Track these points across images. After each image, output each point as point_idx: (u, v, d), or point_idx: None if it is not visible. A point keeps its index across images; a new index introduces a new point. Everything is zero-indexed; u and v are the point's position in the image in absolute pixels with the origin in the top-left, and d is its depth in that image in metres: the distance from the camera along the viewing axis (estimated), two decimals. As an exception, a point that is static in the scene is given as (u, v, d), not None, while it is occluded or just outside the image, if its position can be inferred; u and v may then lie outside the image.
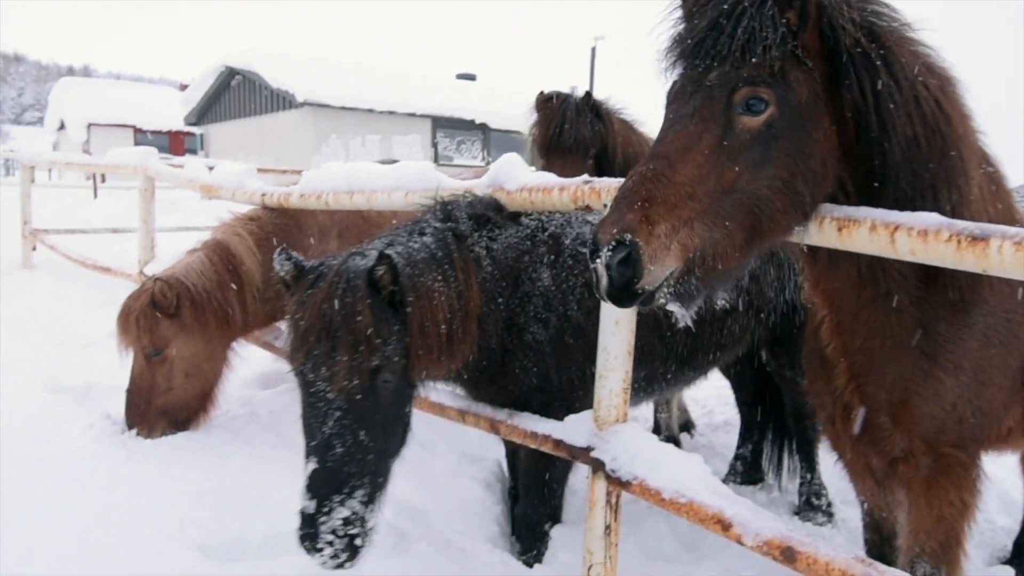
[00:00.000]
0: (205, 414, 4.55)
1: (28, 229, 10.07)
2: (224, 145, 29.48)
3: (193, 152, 32.98)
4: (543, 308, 3.01)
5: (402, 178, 3.59)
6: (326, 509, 2.34)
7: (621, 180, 2.65)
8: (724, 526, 2.36)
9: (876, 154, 2.05)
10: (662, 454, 2.60)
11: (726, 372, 4.86)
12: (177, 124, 35.55)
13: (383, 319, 2.45)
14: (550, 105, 5.05)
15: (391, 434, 2.55)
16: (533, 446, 3.03)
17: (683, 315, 2.03)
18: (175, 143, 38.51)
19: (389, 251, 2.51)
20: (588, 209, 2.79)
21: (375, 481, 2.48)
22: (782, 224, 2.01)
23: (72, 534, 3.00)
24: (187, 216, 16.39)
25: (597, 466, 2.76)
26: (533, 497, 3.34)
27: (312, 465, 2.38)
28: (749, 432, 4.95)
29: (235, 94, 29.82)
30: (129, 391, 4.26)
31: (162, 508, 3.30)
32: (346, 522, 2.35)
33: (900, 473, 2.46)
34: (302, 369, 2.42)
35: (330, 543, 2.34)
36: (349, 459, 2.38)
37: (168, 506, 3.33)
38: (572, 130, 4.88)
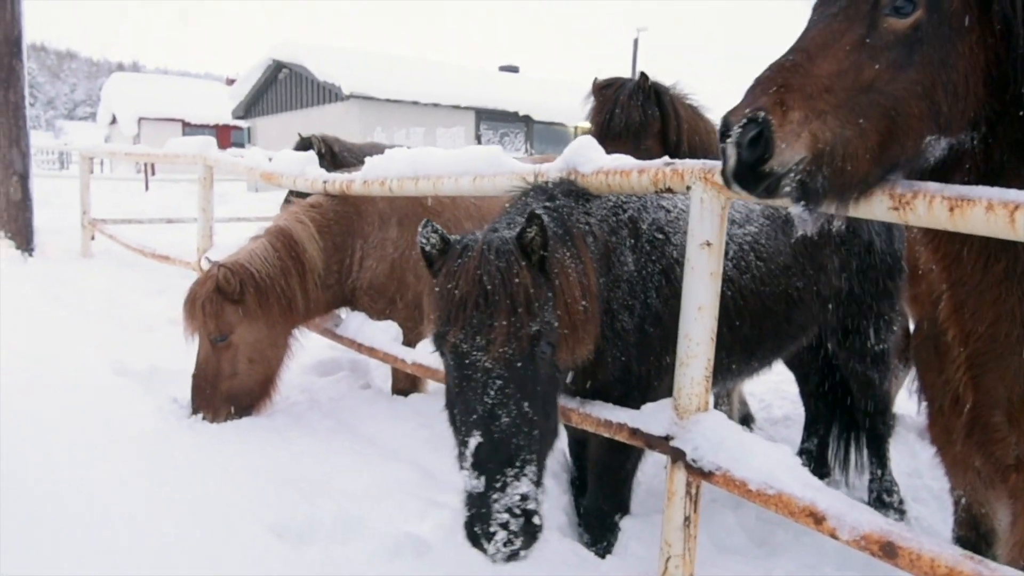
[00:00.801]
0: (268, 399, 4.59)
1: (87, 219, 10.33)
2: (271, 138, 29.90)
3: (240, 146, 33.53)
4: (629, 295, 2.94)
5: (469, 162, 3.55)
6: (498, 484, 2.14)
7: (707, 162, 2.59)
8: (816, 519, 2.27)
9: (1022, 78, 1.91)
10: (748, 444, 2.52)
11: (790, 364, 4.73)
12: (224, 118, 36.19)
13: (538, 283, 2.37)
14: (605, 92, 4.96)
15: (549, 415, 2.42)
16: (607, 435, 2.97)
17: (804, 220, 1.96)
18: (222, 136, 39.20)
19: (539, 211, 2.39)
20: (669, 192, 2.71)
21: (540, 462, 2.30)
22: (915, 131, 1.92)
23: (149, 511, 3.03)
24: (237, 208, 16.71)
25: (676, 456, 2.69)
26: (604, 488, 3.28)
27: (476, 440, 2.21)
28: (814, 426, 4.82)
29: (282, 87, 30.23)
30: (195, 376, 4.32)
31: (233, 489, 3.32)
32: (523, 498, 2.15)
33: (1012, 483, 2.23)
34: (456, 341, 2.31)
35: (504, 525, 2.13)
36: (516, 430, 2.22)
37: (238, 487, 3.36)
38: (623, 114, 4.76)
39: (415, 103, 26.01)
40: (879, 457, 4.37)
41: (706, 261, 2.59)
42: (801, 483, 2.37)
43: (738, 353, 3.37)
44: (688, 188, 2.61)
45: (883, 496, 4.32)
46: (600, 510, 3.29)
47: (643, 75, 4.93)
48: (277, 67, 29.80)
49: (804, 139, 1.81)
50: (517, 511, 2.13)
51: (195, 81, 52.83)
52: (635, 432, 2.85)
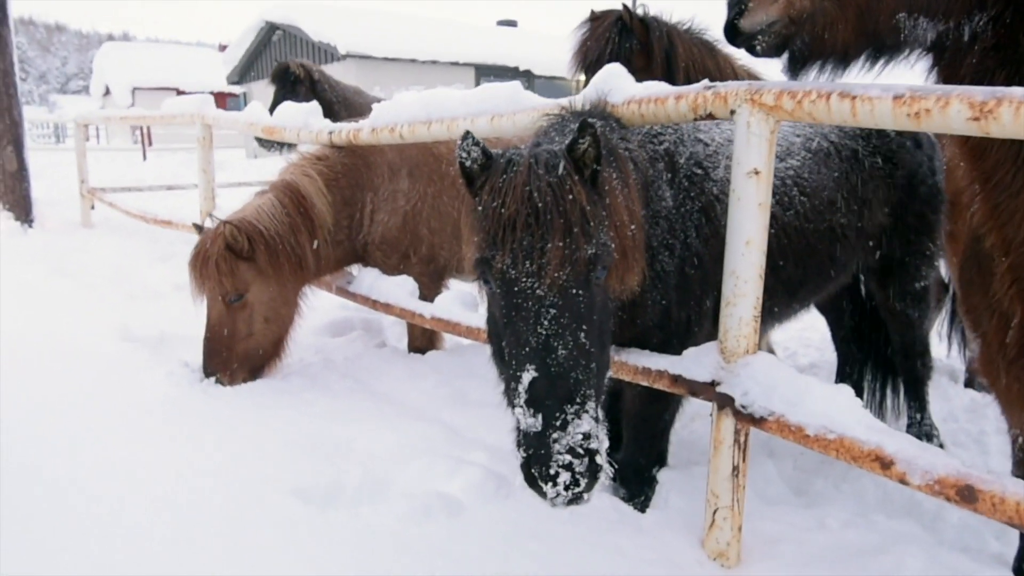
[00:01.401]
0: (279, 360, 4.44)
1: (86, 188, 10.11)
2: (267, 103, 29.38)
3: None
4: (668, 233, 2.74)
5: (487, 101, 3.32)
6: (558, 423, 1.93)
7: (753, 83, 2.37)
8: (884, 464, 2.11)
9: None
10: (804, 386, 2.35)
11: (821, 306, 4.54)
12: (219, 84, 35.59)
13: (593, 201, 2.14)
14: (585, 25, 4.67)
15: (604, 347, 2.21)
16: (645, 383, 2.80)
17: (785, 69, 2.27)
18: (218, 103, 38.39)
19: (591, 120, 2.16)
20: (710, 118, 2.49)
21: (599, 398, 2.09)
22: (888, 8, 2.05)
23: (167, 478, 2.89)
24: (235, 175, 16.43)
25: (724, 402, 2.52)
26: (641, 440, 3.12)
27: (530, 374, 2.00)
28: (847, 371, 4.65)
29: (276, 50, 29.60)
30: (208, 338, 4.15)
31: (253, 453, 3.18)
32: (586, 437, 1.94)
33: None
34: (503, 267, 2.08)
35: (566, 466, 1.90)
36: (574, 363, 2.01)
37: (258, 451, 3.21)
38: (596, 47, 4.47)
39: (413, 61, 25.48)
40: (918, 400, 4.20)
41: (754, 191, 2.38)
42: (865, 426, 2.21)
43: (780, 295, 3.18)
44: (732, 113, 2.40)
45: (923, 441, 4.16)
46: (637, 464, 3.14)
47: (625, 7, 4.63)
48: (270, 29, 29.14)
49: (779, 4, 2.13)
50: (580, 451, 1.92)
51: (188, 49, 51.98)
52: (677, 379, 2.68)
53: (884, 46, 2.13)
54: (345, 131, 4.33)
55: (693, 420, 4.27)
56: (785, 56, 2.25)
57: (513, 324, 2.09)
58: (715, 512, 2.62)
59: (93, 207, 10.28)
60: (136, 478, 2.88)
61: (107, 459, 3.02)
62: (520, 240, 2.05)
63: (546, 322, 2.03)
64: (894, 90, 2.03)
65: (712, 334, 3.04)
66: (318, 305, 5.93)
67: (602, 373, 2.18)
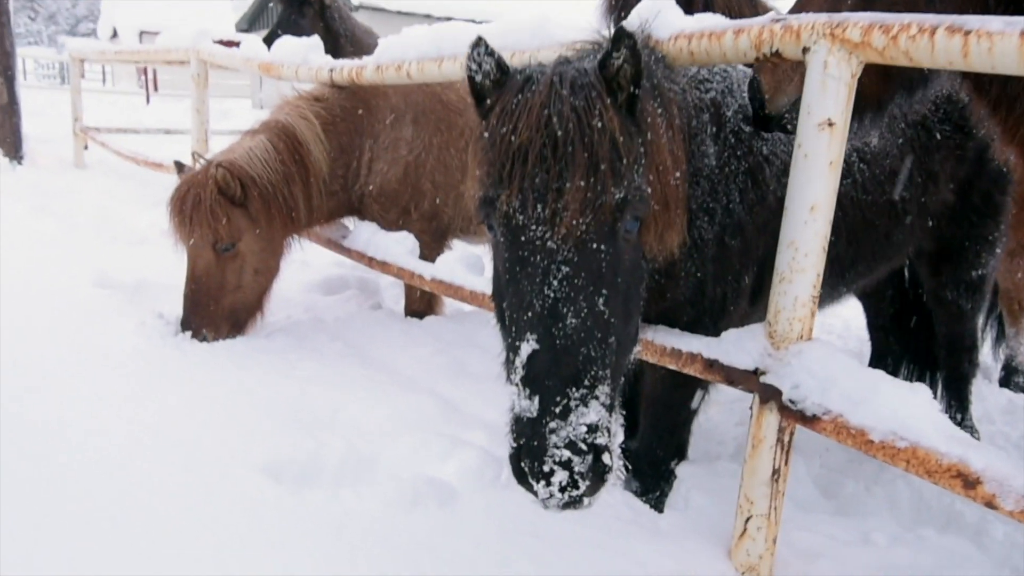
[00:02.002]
0: (262, 315, 4.09)
1: (79, 127, 9.68)
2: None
3: (245, 61, 32.33)
4: (709, 195, 2.34)
5: (507, 35, 2.90)
6: (558, 409, 1.56)
7: (833, 15, 1.96)
8: (967, 482, 1.74)
9: None
10: (871, 382, 1.97)
11: (860, 293, 4.16)
12: (228, 32, 34.76)
13: (627, 131, 1.72)
14: None
15: (629, 317, 1.82)
16: (673, 366, 2.43)
17: None
18: (227, 52, 37.75)
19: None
20: (776, 58, 2.08)
21: (615, 381, 1.72)
22: None
23: (119, 445, 2.54)
24: (240, 124, 15.93)
25: (769, 395, 2.15)
26: (660, 429, 2.76)
27: (531, 346, 1.62)
28: (882, 362, 4.28)
29: (287, -1, 28.84)
30: (193, 290, 3.78)
31: (223, 421, 2.82)
32: (591, 429, 1.57)
33: None
34: (510, 209, 1.69)
35: (564, 464, 1.53)
36: (587, 336, 1.62)
37: (230, 419, 2.86)
38: None
39: (428, 16, 24.79)
40: (960, 400, 3.84)
41: (825, 146, 1.98)
42: (945, 435, 1.84)
43: (828, 275, 2.79)
44: (805, 51, 1.99)
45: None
46: (654, 455, 2.78)
47: None
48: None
49: (794, 84, 2.08)
50: (583, 446, 1.55)
51: (198, -6, 50.92)
52: (712, 364, 2.30)
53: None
54: (347, 68, 3.91)
55: (710, 406, 3.92)
56: None
57: (516, 282, 1.69)
58: (747, 520, 2.26)
59: (87, 147, 9.86)
60: (79, 442, 2.52)
61: (53, 417, 2.67)
62: (532, 176, 1.65)
63: (556, 282, 1.64)
64: (1021, 24, 1.63)
65: (747, 316, 2.67)
66: (311, 260, 5.57)
67: (624, 352, 1.79)
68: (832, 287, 2.99)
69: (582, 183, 1.62)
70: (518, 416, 1.60)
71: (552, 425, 1.55)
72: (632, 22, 2.33)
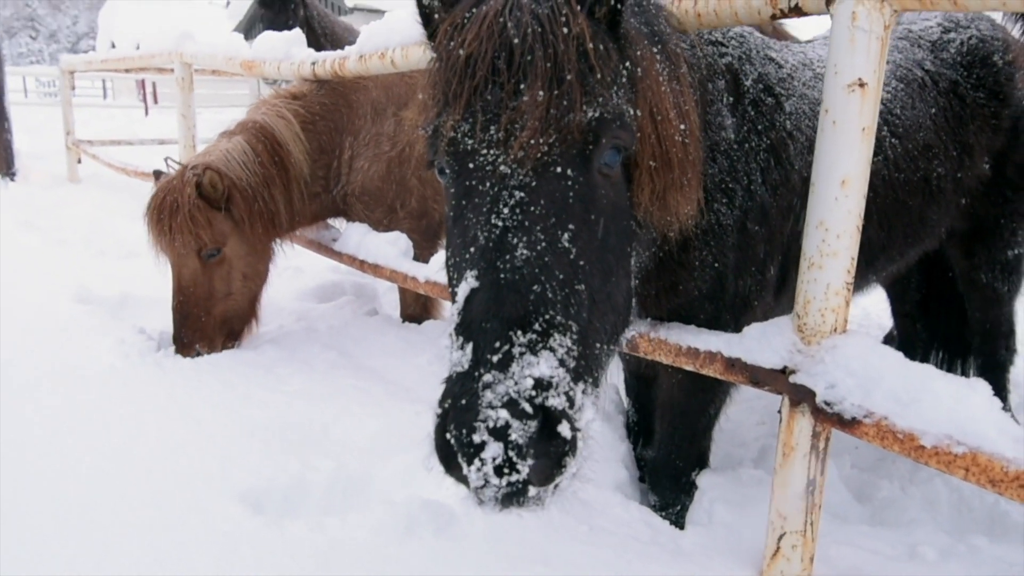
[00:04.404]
0: (256, 322, 3.88)
1: (71, 140, 9.49)
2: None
3: (243, 70, 32.27)
4: (728, 174, 2.08)
5: None
6: (496, 357, 1.20)
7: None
8: (1041, 493, 1.49)
9: None
10: (922, 379, 1.72)
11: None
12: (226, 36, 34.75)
13: (604, 45, 1.43)
14: None
15: (609, 275, 1.47)
16: (689, 367, 2.18)
17: None
18: (225, 62, 37.66)
19: None
20: (795, 13, 1.83)
21: (587, 346, 1.34)
22: None
23: (84, 472, 2.31)
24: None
25: (800, 396, 1.90)
26: (678, 438, 2.50)
27: (470, 285, 1.31)
28: (910, 351, 3.99)
29: (282, 4, 28.73)
30: (181, 302, 3.56)
31: (202, 444, 2.60)
32: (539, 385, 1.19)
33: None
34: (457, 134, 1.41)
35: (498, 431, 1.13)
36: (542, 273, 1.28)
37: (209, 441, 2.63)
38: None
39: (424, 18, 24.60)
40: (998, 390, 3.55)
41: (857, 110, 1.73)
42: (1011, 437, 1.58)
43: (860, 264, 2.53)
44: (830, 2, 1.74)
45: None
46: (673, 466, 2.53)
47: None
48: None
49: None
50: (527, 406, 1.16)
51: (194, 4, 51.04)
52: (733, 364, 2.05)
53: None
54: (330, 61, 3.67)
55: (778, 414, 3.65)
56: None
57: (462, 219, 1.39)
58: (780, 538, 2.01)
59: (80, 161, 9.68)
60: (36, 471, 2.29)
61: (13, 442, 2.44)
62: (481, 92, 1.37)
63: (506, 209, 1.33)
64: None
65: (771, 311, 2.41)
66: (305, 266, 5.36)
67: (601, 314, 1.41)
68: (861, 275, 2.72)
69: (542, 94, 1.33)
70: (449, 375, 1.25)
71: (487, 378, 1.18)
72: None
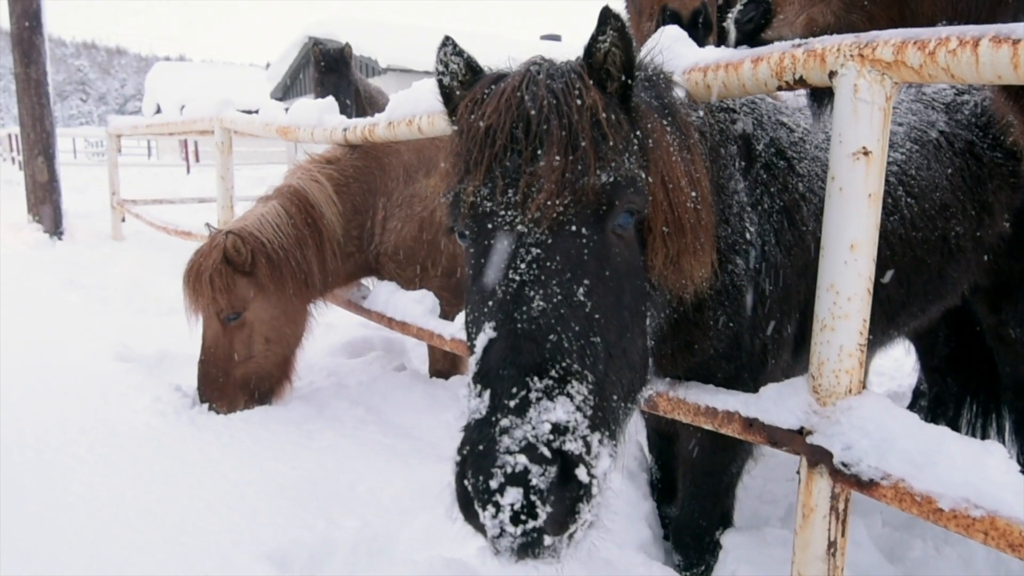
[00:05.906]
0: (288, 384, 3.96)
1: (116, 200, 9.88)
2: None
3: (281, 129, 33.25)
4: (741, 236, 2.14)
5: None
6: (513, 403, 1.24)
7: (860, 35, 1.78)
8: (1063, 559, 1.48)
9: None
10: (936, 441, 1.72)
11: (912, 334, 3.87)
12: (264, 101, 35.97)
13: (615, 116, 1.52)
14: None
15: (626, 329, 1.52)
16: (708, 427, 2.20)
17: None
18: (264, 121, 38.92)
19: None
20: (800, 85, 1.90)
21: (603, 388, 1.38)
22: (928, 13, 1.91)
23: (118, 532, 2.38)
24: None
25: (818, 457, 1.91)
26: (701, 497, 2.50)
27: (487, 335, 1.36)
28: (941, 407, 3.96)
29: (319, 66, 29.75)
30: (203, 361, 3.68)
31: (231, 502, 2.66)
32: (557, 430, 1.23)
33: None
34: (476, 198, 1.49)
35: (516, 477, 1.16)
36: (558, 323, 1.34)
37: (239, 499, 2.69)
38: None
39: (454, 76, 25.26)
40: (1033, 445, 3.49)
41: (862, 178, 1.78)
42: (1030, 502, 1.57)
43: (877, 318, 2.54)
44: (832, 76, 1.81)
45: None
46: (696, 525, 2.52)
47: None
48: (314, 44, 29.27)
49: (801, 21, 1.97)
50: (545, 450, 1.19)
51: (238, 68, 53.10)
52: (751, 424, 2.07)
53: None
54: (360, 127, 3.83)
55: (797, 475, 3.61)
56: None
57: (481, 276, 1.46)
58: (804, 601, 1.99)
59: (124, 219, 10.06)
60: (81, 529, 2.37)
61: (50, 501, 2.53)
62: (500, 159, 1.45)
63: (523, 264, 1.39)
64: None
65: (790, 369, 2.43)
66: (336, 322, 5.47)
67: (617, 368, 1.45)
68: (882, 331, 2.74)
69: (558, 159, 1.42)
70: (467, 424, 1.30)
71: (504, 423, 1.21)
72: (642, 60, 2.18)
